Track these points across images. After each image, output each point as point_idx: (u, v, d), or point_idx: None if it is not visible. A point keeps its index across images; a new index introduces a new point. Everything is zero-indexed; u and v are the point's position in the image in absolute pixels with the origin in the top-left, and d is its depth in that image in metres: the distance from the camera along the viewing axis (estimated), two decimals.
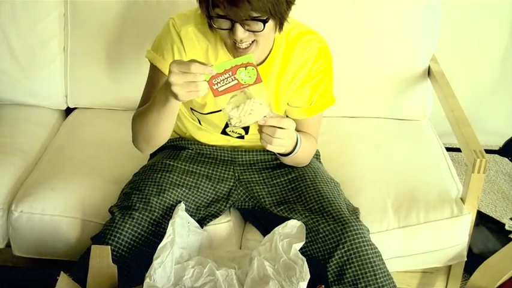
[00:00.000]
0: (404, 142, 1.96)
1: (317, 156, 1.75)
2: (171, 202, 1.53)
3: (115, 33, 2.01)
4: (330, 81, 1.55)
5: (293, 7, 1.37)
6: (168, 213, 1.51)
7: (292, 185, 1.59)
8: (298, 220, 1.50)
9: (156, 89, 1.42)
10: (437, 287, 1.87)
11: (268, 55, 1.47)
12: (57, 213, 1.67)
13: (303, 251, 1.46)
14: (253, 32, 1.32)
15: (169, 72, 1.23)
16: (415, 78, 2.03)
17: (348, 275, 1.41)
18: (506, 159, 2.59)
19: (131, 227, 1.47)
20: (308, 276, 1.34)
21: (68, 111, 2.18)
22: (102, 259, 1.36)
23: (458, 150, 2.18)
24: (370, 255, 1.43)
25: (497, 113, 2.63)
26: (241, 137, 1.63)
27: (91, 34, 2.03)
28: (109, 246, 1.36)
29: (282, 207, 1.55)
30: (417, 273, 1.85)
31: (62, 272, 1.34)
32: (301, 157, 1.55)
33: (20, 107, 2.12)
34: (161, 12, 1.97)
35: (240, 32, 1.31)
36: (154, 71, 1.51)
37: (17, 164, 1.85)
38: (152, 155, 1.74)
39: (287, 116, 1.57)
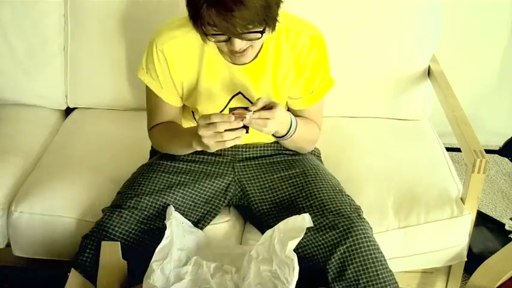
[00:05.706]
0: (404, 142, 1.96)
1: (318, 155, 1.75)
2: (164, 201, 1.52)
3: (115, 33, 2.01)
4: (327, 67, 1.55)
5: (292, 6, 1.37)
6: (160, 213, 1.51)
7: (293, 180, 1.58)
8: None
9: (158, 106, 1.56)
10: (437, 287, 1.87)
11: (260, 49, 1.47)
12: (57, 213, 1.67)
13: (303, 248, 1.45)
14: (251, 40, 1.34)
15: (198, 125, 1.34)
16: (415, 78, 2.03)
17: (349, 271, 1.41)
18: (506, 159, 2.59)
19: (120, 225, 1.47)
20: (297, 269, 1.33)
21: (68, 111, 2.18)
22: (111, 256, 1.37)
23: (458, 150, 2.18)
24: (372, 252, 1.43)
25: (497, 113, 2.63)
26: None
27: (91, 34, 2.02)
28: (118, 243, 1.38)
29: (279, 205, 1.55)
30: (417, 273, 1.85)
31: (72, 269, 1.35)
32: (301, 140, 1.58)
33: (20, 107, 2.12)
34: (161, 12, 1.97)
35: (238, 43, 1.33)
36: (149, 89, 1.56)
37: (17, 164, 1.85)
38: (152, 154, 1.74)
39: (288, 109, 1.58)
